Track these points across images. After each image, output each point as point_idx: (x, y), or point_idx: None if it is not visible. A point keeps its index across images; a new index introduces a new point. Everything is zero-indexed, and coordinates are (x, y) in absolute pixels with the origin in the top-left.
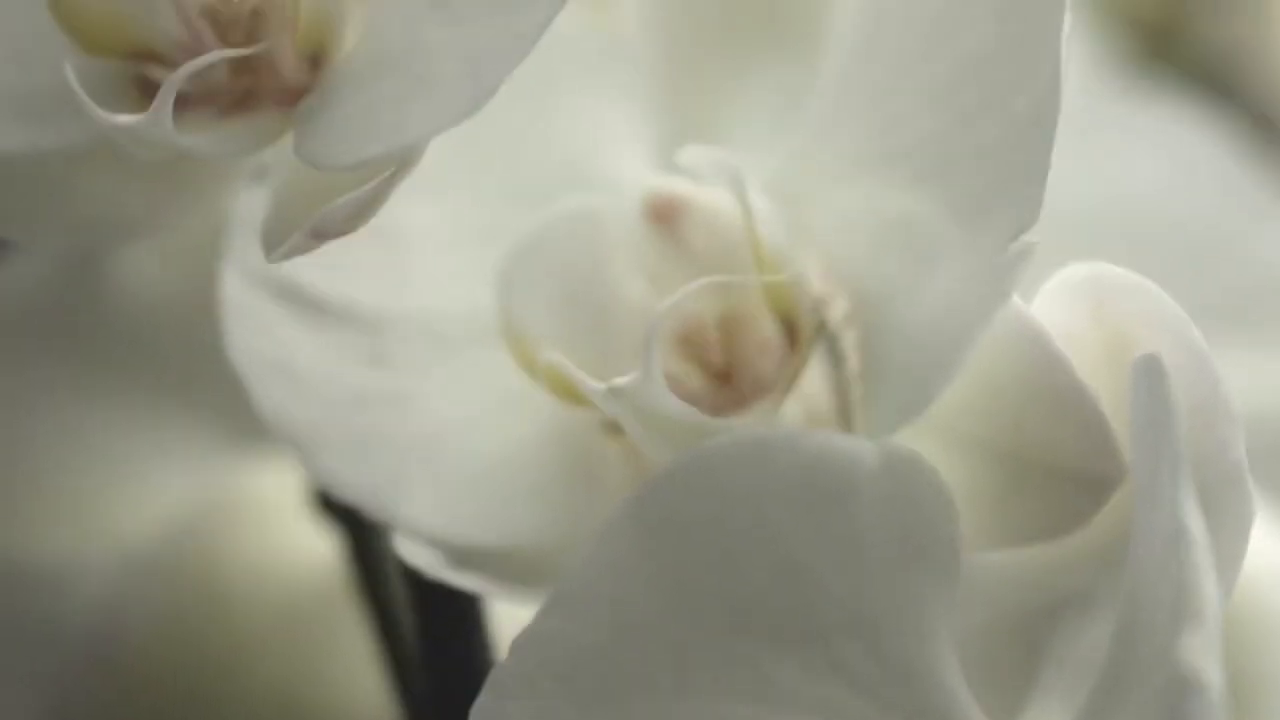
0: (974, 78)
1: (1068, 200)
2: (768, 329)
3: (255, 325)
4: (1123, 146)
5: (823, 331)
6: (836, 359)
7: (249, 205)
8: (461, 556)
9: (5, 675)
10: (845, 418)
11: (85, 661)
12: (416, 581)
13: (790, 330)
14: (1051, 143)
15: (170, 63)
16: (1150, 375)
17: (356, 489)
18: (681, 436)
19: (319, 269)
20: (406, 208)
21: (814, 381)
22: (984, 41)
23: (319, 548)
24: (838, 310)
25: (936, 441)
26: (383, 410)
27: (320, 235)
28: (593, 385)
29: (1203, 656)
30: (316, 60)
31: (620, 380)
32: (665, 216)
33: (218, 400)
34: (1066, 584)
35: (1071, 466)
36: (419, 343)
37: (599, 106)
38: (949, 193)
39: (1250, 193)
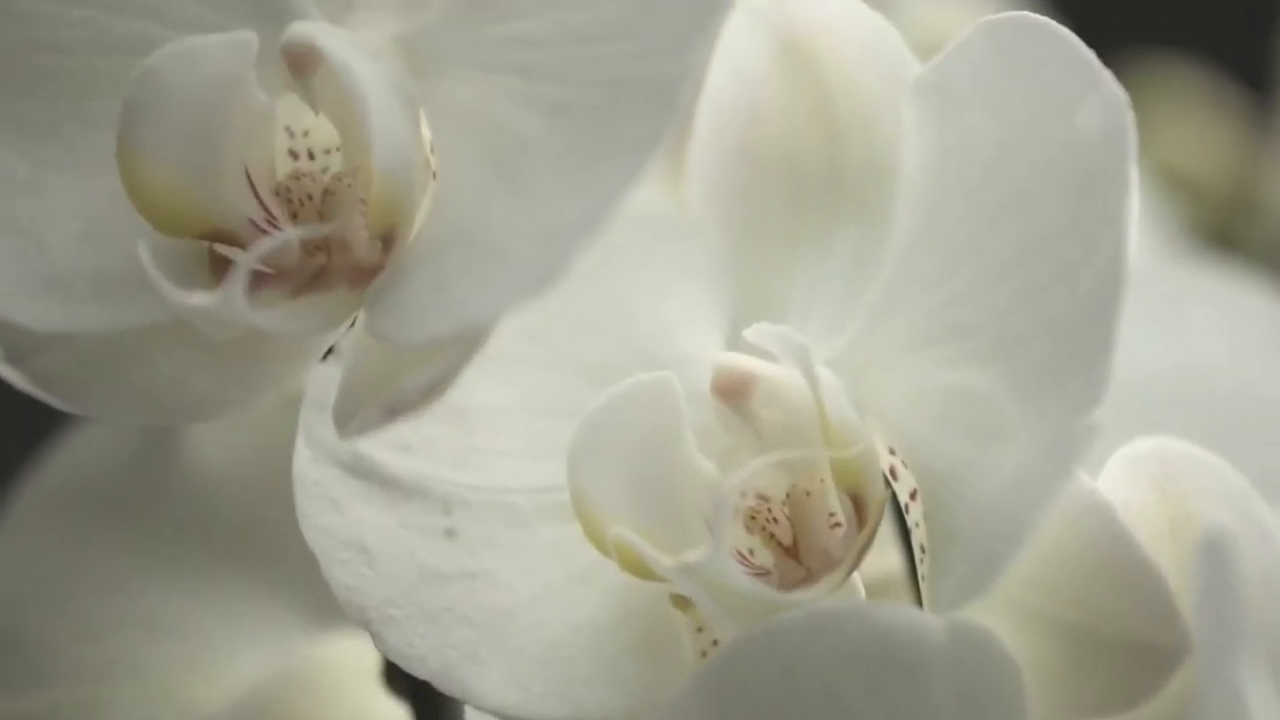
0: (1041, 254)
1: (1132, 369)
2: (835, 503)
3: (327, 501)
4: (1187, 318)
5: (890, 506)
6: (903, 533)
7: (321, 382)
8: None
9: None
10: (913, 591)
11: None
12: None
13: (858, 504)
14: (1118, 320)
15: (243, 241)
16: (1214, 549)
17: (428, 665)
18: (750, 611)
19: (391, 446)
20: (477, 384)
21: (881, 555)
22: (1051, 218)
23: None
24: (905, 484)
25: (1003, 614)
26: (454, 586)
27: (393, 412)
28: (662, 561)
29: None
30: (388, 238)
31: (689, 556)
32: (734, 392)
33: (291, 574)
34: None
35: (1137, 639)
36: (490, 519)
37: (667, 281)
38: (1015, 368)
39: None
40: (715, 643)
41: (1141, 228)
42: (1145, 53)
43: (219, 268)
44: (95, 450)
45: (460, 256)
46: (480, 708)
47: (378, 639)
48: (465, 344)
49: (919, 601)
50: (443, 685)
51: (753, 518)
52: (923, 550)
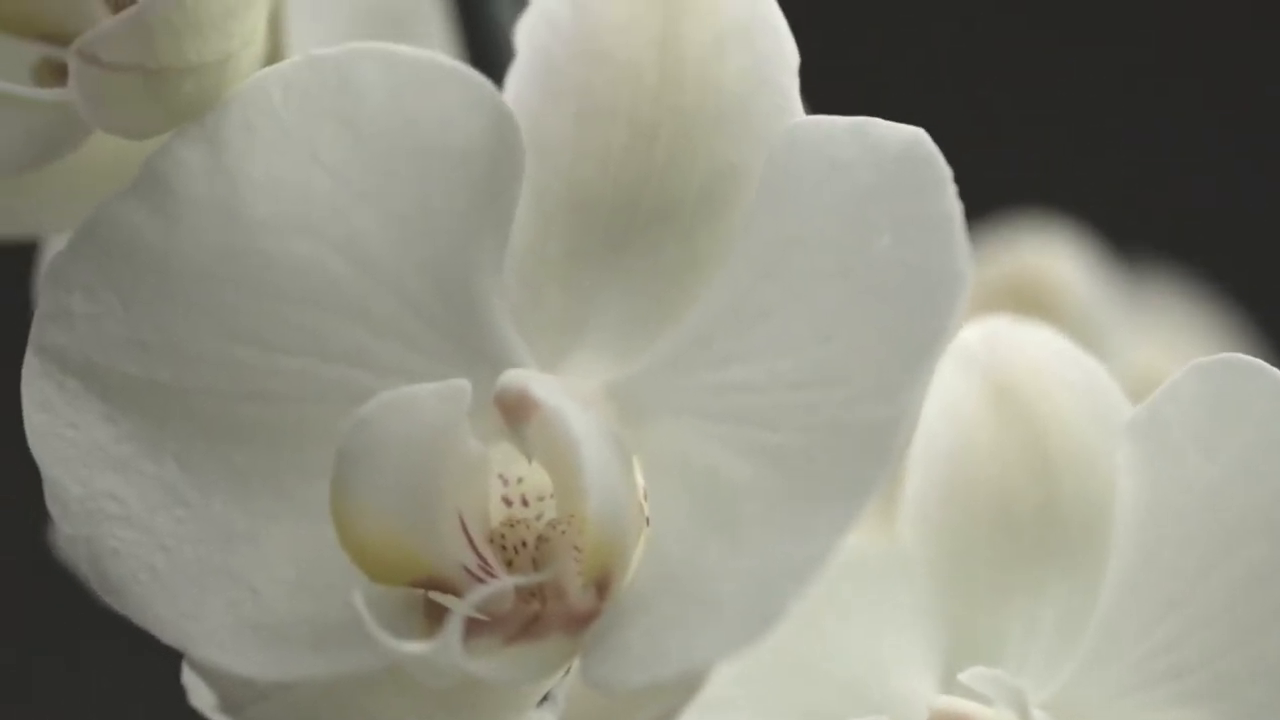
0: (1254, 595)
1: None
2: None
3: None
4: None
5: None
6: None
7: None
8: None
9: None
10: None
11: None
12: None
13: None
14: None
15: (458, 589)
16: None
17: None
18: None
19: None
20: None
21: None
22: (1264, 558)
23: None
24: None
25: None
26: None
27: None
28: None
29: None
30: (602, 585)
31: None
32: None
33: None
34: None
35: None
36: None
37: (879, 622)
38: (1229, 710)
39: None
40: None
41: None
42: None
43: (434, 615)
44: None
45: (675, 603)
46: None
47: None
48: (681, 690)
49: None
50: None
51: None
52: None
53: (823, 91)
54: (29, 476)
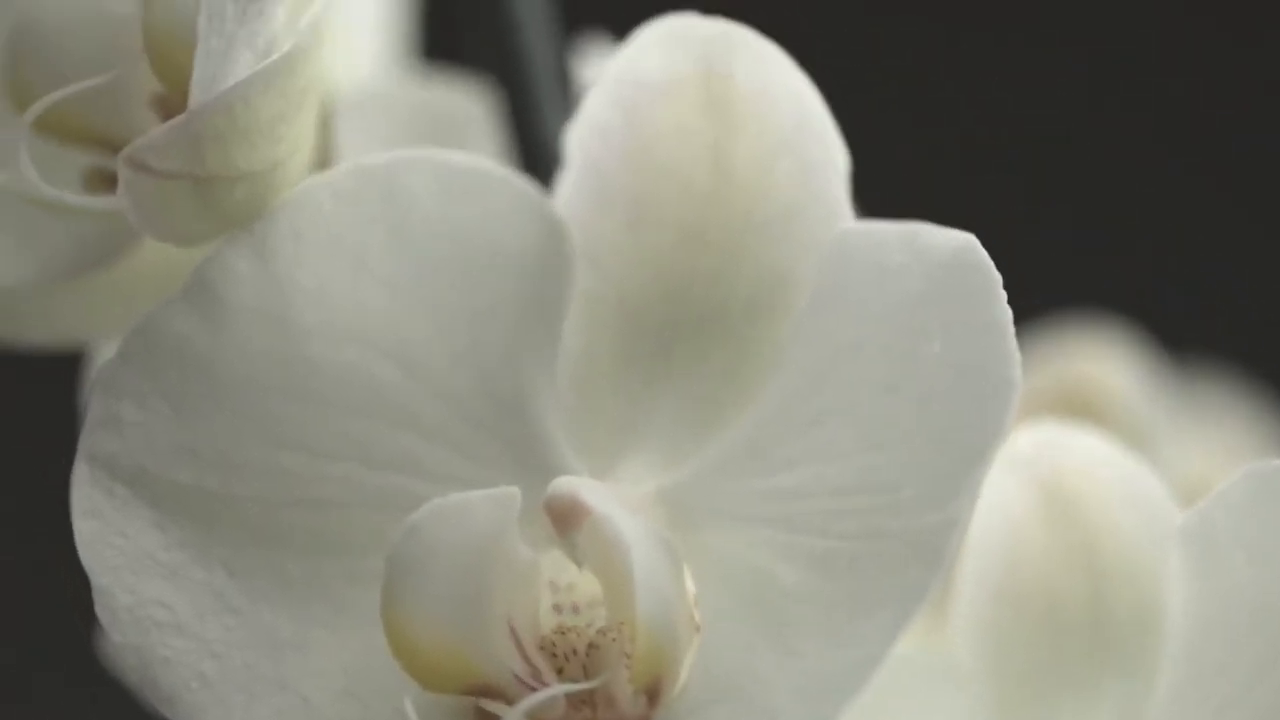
0: None
1: None
2: None
3: None
4: None
5: None
6: None
7: None
8: None
9: None
10: None
11: None
12: None
13: None
14: None
15: (508, 696)
16: None
17: None
18: None
19: None
20: None
21: None
22: None
23: None
24: None
25: None
26: None
27: None
28: None
29: None
30: (653, 692)
31: None
32: None
33: None
34: None
35: None
36: None
37: None
38: None
39: None
40: None
41: None
42: None
43: None
44: None
45: (726, 710)
46: None
47: None
48: None
49: None
50: None
51: None
52: None
53: (867, 193)
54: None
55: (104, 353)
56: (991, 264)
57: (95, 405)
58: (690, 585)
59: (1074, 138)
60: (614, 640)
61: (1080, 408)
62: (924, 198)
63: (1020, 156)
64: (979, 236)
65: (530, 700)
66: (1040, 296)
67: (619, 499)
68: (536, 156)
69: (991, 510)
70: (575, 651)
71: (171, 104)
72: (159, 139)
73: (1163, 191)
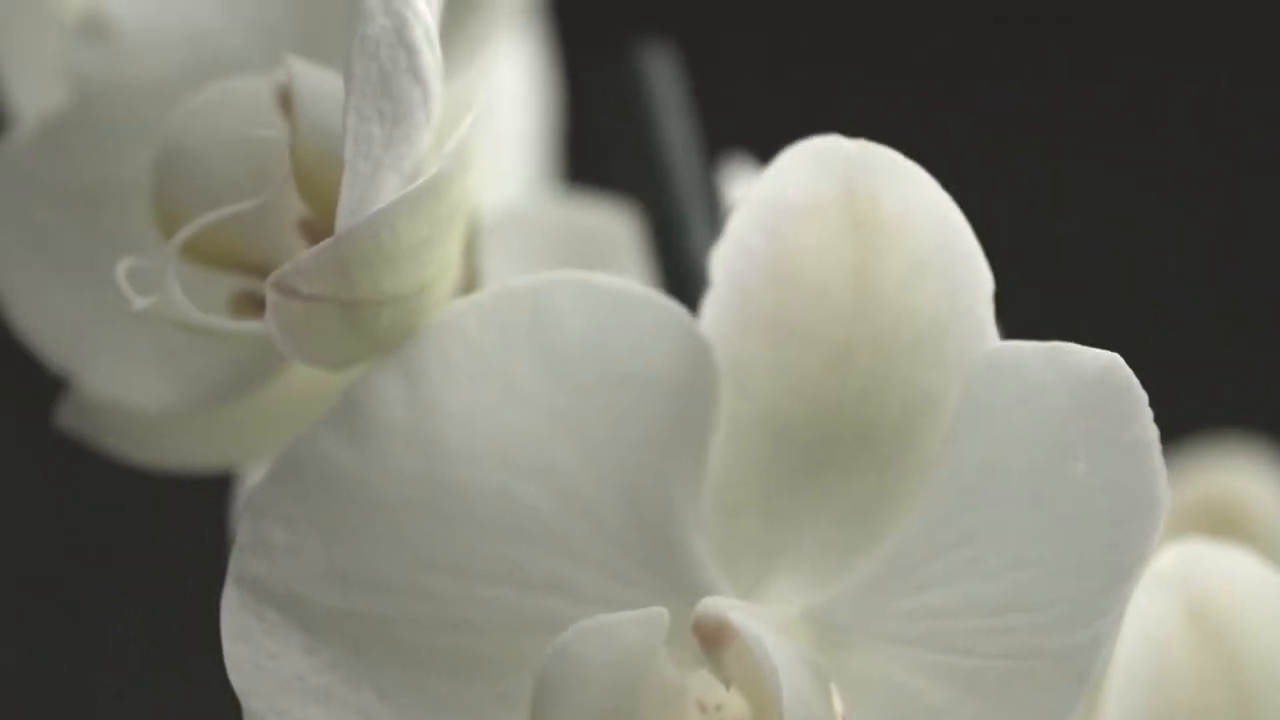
0: None
1: None
2: None
3: None
4: None
5: None
6: None
7: None
8: None
9: None
10: None
11: None
12: None
13: None
14: None
15: None
16: None
17: None
18: None
19: None
20: None
21: None
22: None
23: None
24: None
25: None
26: None
27: None
28: None
29: None
30: None
31: None
32: None
33: None
34: None
35: None
36: None
37: None
38: None
39: None
40: None
41: None
42: None
43: None
44: None
45: None
46: None
47: None
48: None
49: None
50: None
51: None
52: None
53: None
54: None
55: (252, 476)
56: (1137, 383)
57: (244, 529)
58: (838, 705)
59: (1216, 264)
60: None
61: (1224, 524)
62: (1067, 319)
63: (1165, 277)
64: (1123, 355)
65: None
66: (1184, 414)
67: (766, 619)
68: (682, 277)
69: (1137, 628)
70: None
71: (318, 228)
72: (306, 264)
73: None
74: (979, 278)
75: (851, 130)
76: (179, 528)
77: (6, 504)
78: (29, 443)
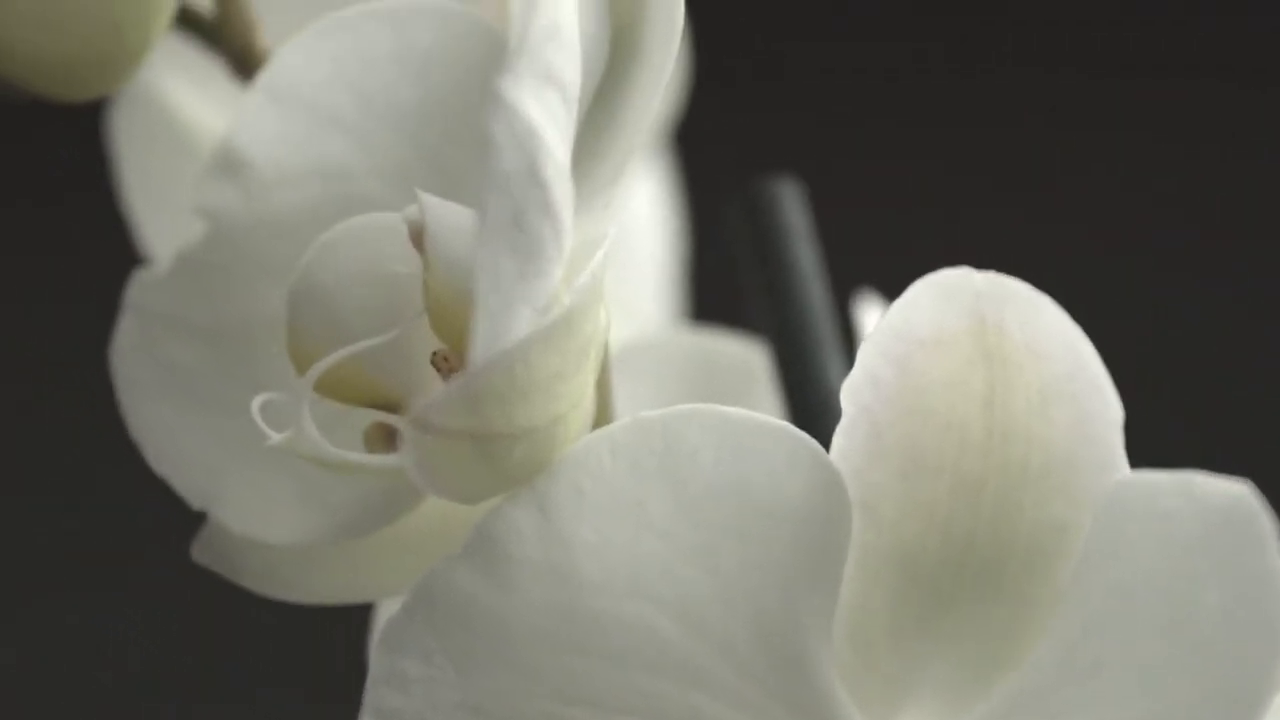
0: None
1: None
2: None
3: None
4: None
5: None
6: None
7: None
8: None
9: None
10: None
11: None
12: None
13: None
14: None
15: None
16: None
17: None
18: None
19: None
20: None
21: None
22: None
23: None
24: None
25: None
26: None
27: None
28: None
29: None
30: None
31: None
32: None
33: None
34: None
35: None
36: None
37: None
38: None
39: None
40: None
41: None
42: None
43: None
44: None
45: None
46: None
47: None
48: None
49: None
50: None
51: None
52: None
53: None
54: None
55: (386, 609)
56: (1266, 514)
57: (380, 662)
58: None
59: None
60: None
61: None
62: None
63: None
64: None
65: None
66: None
67: None
68: (813, 409)
69: None
70: None
71: (451, 362)
72: (441, 399)
73: None
74: (1108, 407)
75: (978, 260)
76: (179, 527)
77: (6, 504)
78: (29, 442)
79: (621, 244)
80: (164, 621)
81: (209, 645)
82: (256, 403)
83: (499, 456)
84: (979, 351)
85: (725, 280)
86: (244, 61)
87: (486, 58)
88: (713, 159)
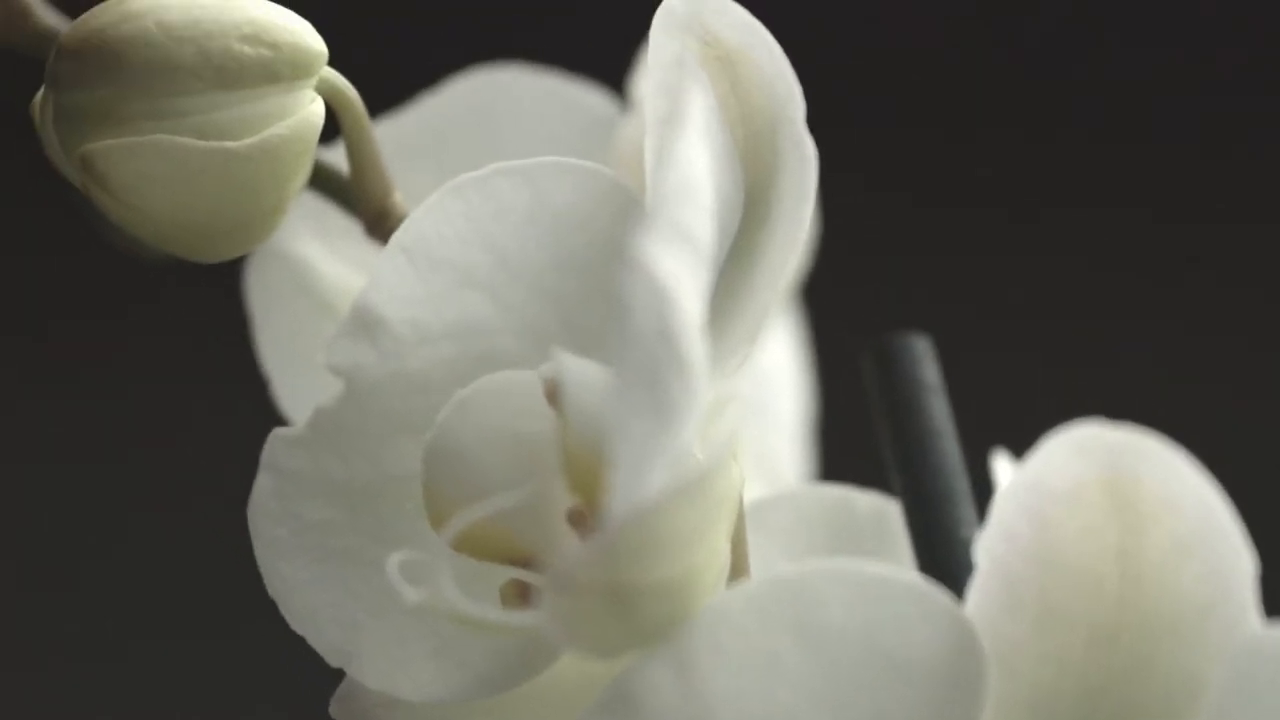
0: None
1: None
2: None
3: None
4: None
5: None
6: None
7: None
8: None
9: None
10: None
11: None
12: None
13: None
14: None
15: None
16: None
17: None
18: None
19: None
20: None
21: None
22: None
23: None
24: None
25: None
26: None
27: None
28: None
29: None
30: None
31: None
32: None
33: None
34: None
35: None
36: None
37: None
38: None
39: None
40: None
41: None
42: None
43: None
44: None
45: None
46: None
47: None
48: None
49: None
50: None
51: None
52: None
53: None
54: None
55: None
56: None
57: None
58: None
59: None
60: None
61: None
62: None
63: None
64: None
65: None
66: None
67: None
68: (947, 563)
69: None
70: None
71: (586, 518)
72: (578, 555)
73: None
74: (1240, 560)
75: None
76: (179, 528)
77: (7, 504)
78: (29, 442)
79: (756, 399)
80: (164, 622)
81: None
82: (393, 561)
83: (635, 612)
84: (1112, 505)
85: (861, 433)
86: (379, 220)
87: (619, 214)
88: (837, 315)
